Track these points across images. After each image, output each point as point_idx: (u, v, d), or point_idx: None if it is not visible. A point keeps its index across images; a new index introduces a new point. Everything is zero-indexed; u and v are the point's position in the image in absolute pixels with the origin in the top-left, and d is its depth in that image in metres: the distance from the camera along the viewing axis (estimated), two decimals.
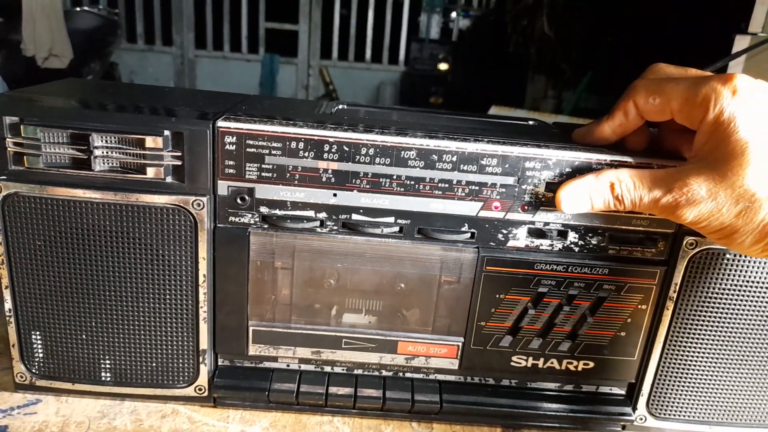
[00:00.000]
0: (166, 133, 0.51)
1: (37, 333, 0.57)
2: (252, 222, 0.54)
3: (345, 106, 0.67)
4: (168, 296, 0.55)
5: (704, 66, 0.94)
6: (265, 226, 0.54)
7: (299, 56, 5.50)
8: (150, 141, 0.51)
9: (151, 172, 0.52)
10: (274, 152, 0.52)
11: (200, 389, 0.58)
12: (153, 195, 0.52)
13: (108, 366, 0.58)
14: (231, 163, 0.52)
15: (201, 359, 0.57)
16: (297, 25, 5.45)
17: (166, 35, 5.28)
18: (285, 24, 5.47)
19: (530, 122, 0.69)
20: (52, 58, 2.38)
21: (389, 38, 5.76)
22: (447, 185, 0.53)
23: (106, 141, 0.52)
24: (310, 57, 5.50)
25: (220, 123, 0.51)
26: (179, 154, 0.52)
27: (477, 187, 0.53)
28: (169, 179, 0.52)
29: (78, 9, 3.31)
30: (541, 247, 0.55)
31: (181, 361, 0.57)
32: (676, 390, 0.59)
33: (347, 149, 0.52)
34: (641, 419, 0.60)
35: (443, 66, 5.47)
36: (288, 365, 0.60)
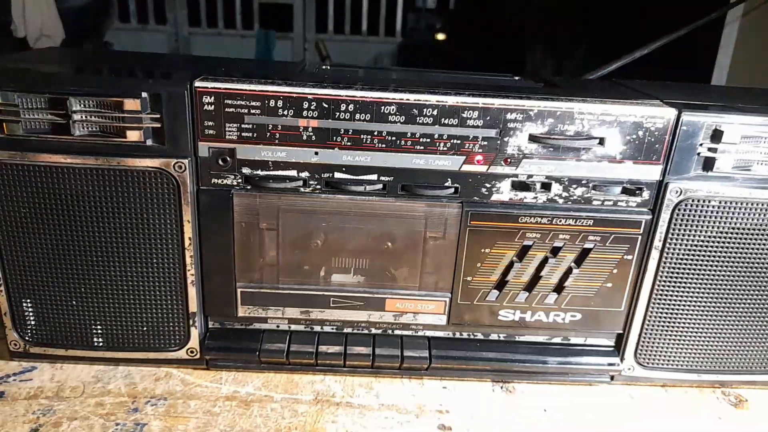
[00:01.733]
0: (144, 95, 0.51)
1: (28, 301, 0.57)
2: (235, 183, 0.54)
3: (328, 67, 0.66)
4: (154, 260, 0.55)
5: (700, 17, 0.93)
6: (248, 186, 0.54)
7: (294, 30, 5.44)
8: (128, 103, 0.51)
9: (130, 135, 0.52)
10: (253, 111, 0.51)
11: (192, 351, 0.59)
12: (134, 158, 0.52)
13: (100, 331, 0.58)
14: (210, 123, 0.52)
15: (191, 322, 0.58)
16: None
17: (159, 13, 5.22)
18: None
19: (516, 78, 0.68)
20: (44, 39, 2.35)
21: (385, 9, 5.67)
22: (429, 140, 0.53)
23: (85, 105, 0.51)
24: (306, 31, 5.44)
25: (198, 83, 0.51)
26: (158, 116, 0.51)
27: (459, 141, 0.53)
28: (149, 142, 0.52)
29: None
30: (525, 200, 0.55)
31: (171, 324, 0.58)
32: (663, 339, 0.59)
33: (326, 106, 0.51)
34: (629, 369, 0.60)
35: (441, 36, 5.41)
36: (278, 326, 0.60)
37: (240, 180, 0.54)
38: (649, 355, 0.60)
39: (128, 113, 0.51)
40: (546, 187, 0.54)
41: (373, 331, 0.61)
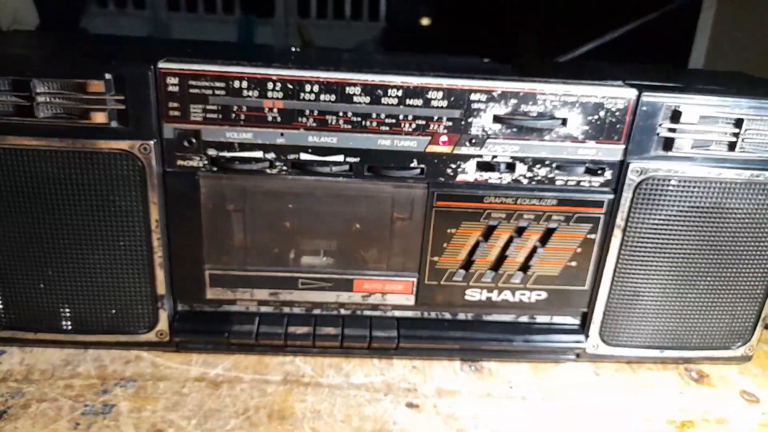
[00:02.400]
0: (108, 76, 0.50)
1: None
2: (201, 165, 0.54)
3: (298, 49, 0.66)
4: (121, 242, 0.55)
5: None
6: (214, 168, 0.54)
7: (276, 15, 5.39)
8: (92, 85, 0.50)
9: (95, 117, 0.51)
10: (217, 92, 0.51)
11: (161, 334, 0.59)
12: (99, 140, 0.52)
13: (68, 314, 0.58)
14: (175, 105, 0.52)
15: (160, 304, 0.58)
16: None
17: None
18: None
19: (485, 60, 0.68)
20: (17, 26, 2.31)
21: None
22: (394, 120, 0.53)
23: (49, 87, 0.51)
24: (288, 15, 5.39)
25: (162, 64, 0.51)
26: (122, 97, 0.51)
27: (424, 122, 0.53)
28: (114, 124, 0.52)
29: None
30: (489, 181, 0.55)
31: (139, 307, 0.58)
32: (627, 316, 0.60)
33: (291, 87, 0.51)
34: (594, 346, 0.62)
35: (426, 21, 5.39)
36: (247, 308, 0.61)
37: (206, 162, 0.54)
38: (614, 332, 0.61)
39: (92, 95, 0.51)
40: (510, 167, 0.55)
41: (342, 312, 0.61)
